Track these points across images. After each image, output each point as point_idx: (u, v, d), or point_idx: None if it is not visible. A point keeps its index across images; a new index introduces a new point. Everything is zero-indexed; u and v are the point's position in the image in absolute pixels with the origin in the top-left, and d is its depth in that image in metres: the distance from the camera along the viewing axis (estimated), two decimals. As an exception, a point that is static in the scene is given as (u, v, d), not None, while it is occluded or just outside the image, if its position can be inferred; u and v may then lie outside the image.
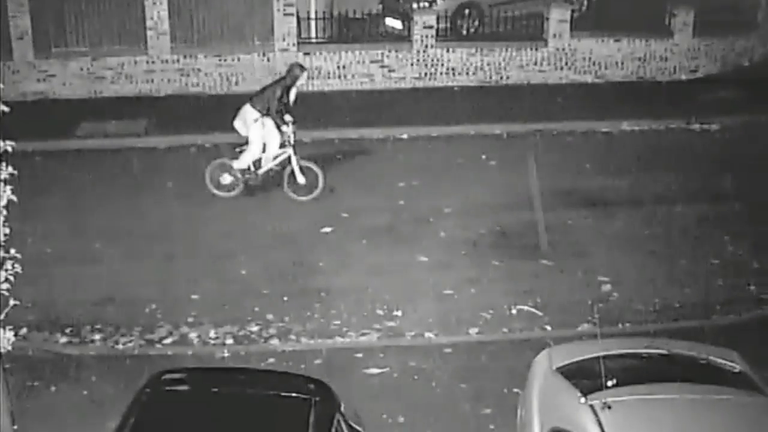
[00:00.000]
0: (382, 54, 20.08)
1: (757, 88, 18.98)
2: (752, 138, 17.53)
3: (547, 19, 20.35)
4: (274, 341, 11.92)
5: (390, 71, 20.10)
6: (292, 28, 19.74)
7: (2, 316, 9.52)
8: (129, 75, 19.53)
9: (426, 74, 20.18)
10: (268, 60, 19.78)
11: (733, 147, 17.41)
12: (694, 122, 18.48)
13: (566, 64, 20.50)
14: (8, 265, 9.17)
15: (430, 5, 21.74)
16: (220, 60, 19.71)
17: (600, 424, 7.71)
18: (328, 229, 14.55)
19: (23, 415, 9.86)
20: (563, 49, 20.41)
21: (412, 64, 20.13)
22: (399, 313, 12.46)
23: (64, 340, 11.89)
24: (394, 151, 17.46)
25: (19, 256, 9.12)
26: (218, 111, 18.75)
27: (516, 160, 16.88)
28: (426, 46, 20.07)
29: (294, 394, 8.20)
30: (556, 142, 17.88)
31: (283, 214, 15.01)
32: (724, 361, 8.86)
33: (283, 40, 19.74)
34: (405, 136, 17.99)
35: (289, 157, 15.21)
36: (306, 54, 19.83)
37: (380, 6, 22.57)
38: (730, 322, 12.28)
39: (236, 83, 19.78)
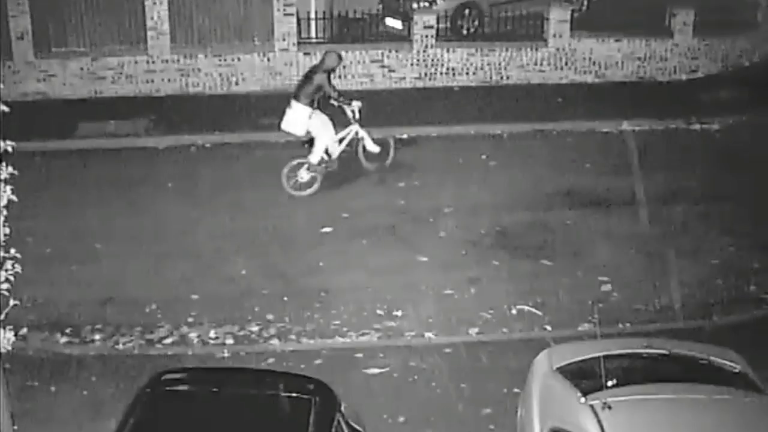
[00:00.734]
0: (382, 54, 20.08)
1: (757, 88, 18.99)
2: (752, 138, 17.53)
3: (547, 19, 20.35)
4: (274, 341, 11.92)
5: (390, 71, 20.10)
6: (292, 28, 19.74)
7: (2, 316, 9.52)
8: (129, 75, 19.53)
9: (426, 74, 20.18)
10: (268, 60, 19.78)
11: (733, 147, 17.41)
12: (694, 122, 18.48)
13: (566, 64, 20.50)
14: (8, 265, 9.17)
15: (430, 5, 21.73)
16: (220, 60, 19.70)
17: (600, 424, 7.71)
18: (328, 229, 14.55)
19: (23, 415, 9.87)
20: (563, 49, 20.41)
21: (412, 64, 20.13)
22: (399, 313, 12.46)
23: (64, 340, 11.90)
24: (393, 150, 17.43)
25: (19, 256, 9.12)
26: (218, 111, 18.83)
27: (516, 160, 16.92)
28: (426, 46, 20.07)
29: (294, 394, 8.20)
30: (556, 142, 17.89)
31: (282, 214, 15.02)
32: (724, 361, 8.87)
33: (283, 40, 19.74)
34: (405, 136, 17.98)
35: (356, 133, 15.74)
36: (306, 54, 19.83)
37: (380, 6, 22.56)
38: (730, 322, 12.28)
39: (236, 83, 19.78)
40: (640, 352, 9.01)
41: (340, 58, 15.74)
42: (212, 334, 12.03)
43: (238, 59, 19.73)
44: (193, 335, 12.01)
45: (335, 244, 14.16)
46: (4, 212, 8.78)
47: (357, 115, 15.69)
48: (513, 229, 14.56)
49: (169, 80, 19.63)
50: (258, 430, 7.91)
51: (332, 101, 15.46)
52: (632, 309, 12.53)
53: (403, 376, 11.30)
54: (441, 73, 20.22)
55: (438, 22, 20.28)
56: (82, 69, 19.43)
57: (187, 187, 15.84)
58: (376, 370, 11.41)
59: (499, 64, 20.31)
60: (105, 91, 19.52)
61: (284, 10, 19.58)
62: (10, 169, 8.79)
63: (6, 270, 9.11)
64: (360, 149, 15.89)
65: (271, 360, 11.55)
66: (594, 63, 20.57)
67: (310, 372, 10.03)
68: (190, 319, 12.29)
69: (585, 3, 23.45)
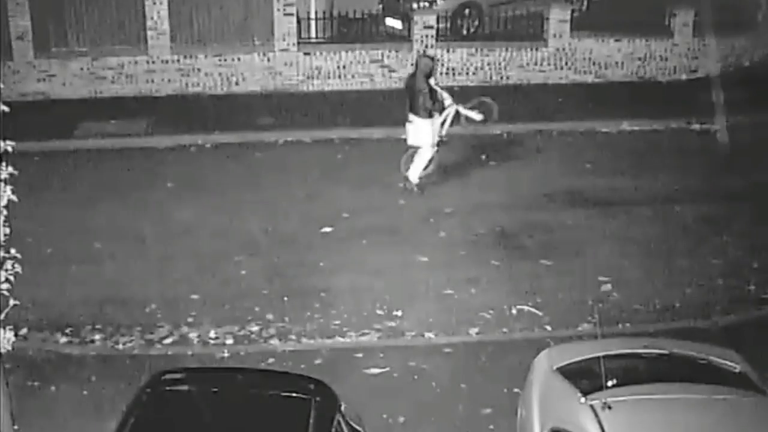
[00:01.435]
0: (382, 54, 20.09)
1: (757, 88, 18.99)
2: (752, 138, 17.52)
3: (547, 19, 20.36)
4: (274, 341, 11.92)
5: (390, 71, 20.10)
6: (292, 28, 19.75)
7: (2, 316, 9.52)
8: (129, 75, 19.54)
9: (426, 74, 20.16)
10: (268, 60, 19.78)
11: (733, 147, 17.40)
12: (694, 122, 18.48)
13: (566, 64, 20.51)
14: (8, 265, 9.17)
15: (430, 5, 21.74)
16: (220, 60, 19.71)
17: (600, 424, 7.71)
18: (328, 229, 14.55)
19: (23, 415, 9.86)
20: (563, 49, 20.42)
21: (412, 64, 20.09)
22: (399, 313, 12.46)
23: (64, 340, 11.89)
24: (394, 151, 17.42)
25: (19, 256, 9.13)
26: (218, 111, 18.83)
27: (516, 160, 16.92)
28: (426, 46, 20.06)
29: (294, 394, 8.19)
30: (556, 142, 17.89)
31: (282, 214, 15.02)
32: (724, 361, 8.86)
33: (283, 40, 19.74)
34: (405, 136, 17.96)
35: (456, 111, 15.97)
36: (306, 54, 19.85)
37: (380, 6, 22.57)
38: (730, 322, 12.27)
39: (236, 83, 19.79)
40: (640, 352, 9.01)
41: (432, 59, 15.68)
42: (212, 334, 12.03)
43: (238, 59, 19.73)
44: (193, 335, 12.01)
45: (335, 244, 14.16)
46: (4, 212, 8.79)
47: (450, 99, 15.81)
48: (513, 229, 14.56)
49: (169, 80, 19.64)
50: (258, 430, 7.91)
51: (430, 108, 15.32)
52: (632, 309, 12.53)
53: (403, 376, 11.30)
54: (441, 73, 20.20)
55: (438, 22, 20.29)
56: (82, 69, 19.44)
57: (187, 187, 15.84)
58: (376, 370, 11.41)
59: (499, 64, 20.32)
60: (105, 91, 19.53)
61: (284, 10, 19.59)
62: (10, 169, 8.80)
63: (6, 270, 9.12)
64: (462, 119, 16.20)
65: (271, 360, 11.54)
66: (594, 63, 20.58)
67: (310, 372, 10.02)
68: (190, 319, 12.28)
69: (585, 3, 23.46)
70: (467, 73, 20.28)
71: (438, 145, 15.74)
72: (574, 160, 16.90)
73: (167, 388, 8.31)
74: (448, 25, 21.20)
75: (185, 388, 8.44)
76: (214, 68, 19.72)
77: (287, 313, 12.44)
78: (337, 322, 12.27)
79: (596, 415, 7.80)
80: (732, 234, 14.35)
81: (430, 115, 15.34)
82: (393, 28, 21.98)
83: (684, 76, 20.81)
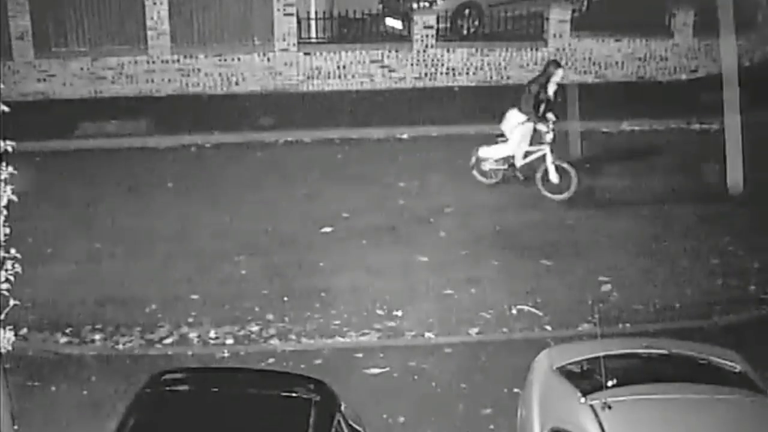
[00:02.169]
0: (382, 54, 20.08)
1: (757, 88, 18.96)
2: (752, 138, 17.49)
3: (547, 19, 20.35)
4: (274, 341, 11.92)
5: (390, 71, 20.10)
6: (292, 28, 19.74)
7: (2, 316, 9.52)
8: (129, 75, 19.52)
9: (426, 74, 20.18)
10: (268, 60, 19.78)
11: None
12: (694, 122, 18.47)
13: (566, 64, 20.45)
14: (8, 265, 9.17)
15: (430, 5, 21.73)
16: (220, 60, 19.70)
17: (600, 424, 7.71)
18: (328, 229, 14.55)
19: (23, 415, 9.87)
20: (563, 49, 20.41)
21: (412, 64, 20.12)
22: (399, 313, 12.46)
23: (64, 340, 11.90)
24: (394, 151, 17.46)
25: (19, 256, 9.12)
26: (218, 111, 18.83)
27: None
28: (426, 46, 20.06)
29: (294, 394, 8.20)
30: (556, 141, 17.84)
31: (282, 214, 15.02)
32: (724, 361, 8.87)
33: (283, 40, 19.73)
34: (405, 136, 17.99)
35: (544, 156, 15.31)
36: (306, 54, 19.84)
37: (380, 6, 22.56)
38: (730, 322, 12.28)
39: (236, 83, 19.78)
40: (640, 352, 9.02)
41: (557, 65, 15.46)
42: (212, 334, 12.03)
43: (238, 59, 19.72)
44: (193, 335, 12.01)
45: (335, 244, 14.16)
46: (4, 212, 8.79)
47: (548, 138, 15.19)
48: (513, 229, 14.57)
49: (169, 80, 19.63)
50: (258, 430, 7.91)
51: (534, 113, 15.14)
52: (632, 309, 12.53)
53: (403, 376, 11.30)
54: (441, 73, 20.22)
55: (438, 22, 20.27)
56: (82, 69, 19.43)
57: (187, 187, 15.84)
58: (376, 370, 11.41)
59: (499, 64, 20.31)
60: (105, 91, 19.52)
61: (284, 10, 19.58)
62: (10, 169, 8.80)
63: (6, 270, 9.11)
64: (541, 173, 15.34)
65: (271, 360, 11.55)
66: (594, 63, 20.58)
67: (310, 372, 10.03)
68: (190, 319, 12.29)
69: (585, 3, 23.45)
70: (467, 73, 20.27)
71: (505, 162, 15.52)
72: (573, 160, 16.86)
73: (167, 388, 8.31)
74: (448, 25, 21.18)
75: (185, 388, 8.45)
76: (214, 68, 19.71)
77: (287, 313, 12.44)
78: (337, 322, 12.28)
79: (596, 415, 7.80)
80: (732, 234, 14.35)
81: (527, 113, 15.15)
82: (393, 28, 21.97)
83: (684, 76, 20.80)
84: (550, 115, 15.26)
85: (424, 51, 20.08)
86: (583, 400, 8.01)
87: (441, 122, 18.38)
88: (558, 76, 15.30)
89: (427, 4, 21.77)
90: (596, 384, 8.13)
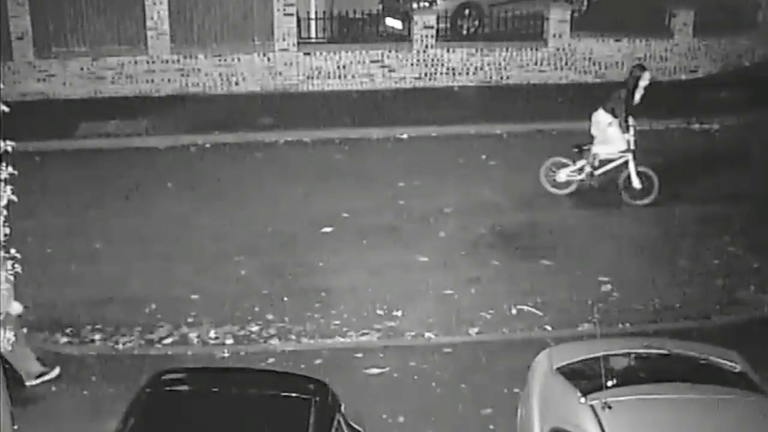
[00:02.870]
0: (382, 54, 20.08)
1: (757, 88, 18.98)
2: (752, 138, 17.52)
3: (547, 19, 20.35)
4: (274, 341, 11.92)
5: (390, 71, 20.10)
6: (292, 28, 19.74)
7: (2, 316, 9.54)
8: (129, 75, 19.53)
9: (426, 74, 20.18)
10: (268, 60, 19.78)
11: (733, 147, 17.41)
12: (694, 122, 18.47)
13: (566, 64, 20.50)
14: (8, 265, 9.18)
15: (430, 5, 21.73)
16: (220, 60, 19.70)
17: (600, 424, 7.71)
18: (328, 229, 14.55)
19: (23, 415, 9.87)
20: (563, 49, 20.41)
21: (412, 64, 20.12)
22: (399, 313, 12.46)
23: (64, 340, 11.89)
24: (394, 151, 17.47)
25: (19, 256, 9.14)
26: (218, 111, 18.83)
27: (516, 160, 16.91)
28: (426, 46, 20.07)
29: (294, 394, 8.20)
30: (556, 142, 17.86)
31: (282, 214, 15.02)
32: (724, 361, 8.87)
33: (283, 40, 19.74)
34: (405, 136, 17.99)
35: (626, 162, 15.10)
36: (306, 54, 19.84)
37: (380, 6, 22.56)
38: (730, 322, 12.28)
39: (236, 83, 19.78)
40: (640, 352, 9.01)
41: (643, 68, 15.19)
42: (212, 334, 12.03)
43: (238, 59, 19.72)
44: (193, 335, 12.01)
45: (335, 244, 14.16)
46: (4, 212, 8.80)
47: (631, 144, 14.98)
48: (513, 229, 14.57)
49: (169, 80, 19.63)
50: (258, 430, 7.92)
51: (621, 117, 14.95)
52: (632, 309, 12.53)
53: (403, 376, 11.30)
54: (441, 73, 20.22)
55: (438, 22, 20.28)
56: (82, 69, 19.43)
57: (187, 187, 15.84)
58: (376, 370, 11.41)
59: (499, 64, 20.31)
60: (105, 91, 19.52)
61: (284, 10, 19.58)
62: (10, 169, 8.82)
63: (6, 270, 9.13)
64: (622, 180, 15.16)
65: (271, 360, 11.54)
66: (594, 63, 20.58)
67: (310, 372, 10.03)
68: (190, 319, 12.28)
69: (585, 3, 23.44)
70: (467, 73, 20.26)
71: (583, 170, 15.27)
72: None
73: (167, 388, 8.32)
74: (448, 25, 21.18)
75: (185, 388, 8.45)
76: (214, 68, 19.71)
77: (287, 313, 12.44)
78: (337, 322, 12.28)
79: (596, 415, 7.80)
80: (732, 234, 14.35)
81: (613, 114, 14.97)
82: (393, 28, 21.97)
83: (684, 76, 20.80)
84: (632, 121, 15.05)
85: (424, 51, 20.08)
86: (583, 400, 8.01)
87: (441, 122, 18.38)
88: (645, 79, 15.02)
89: (427, 4, 21.77)
90: (596, 384, 8.13)
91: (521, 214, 14.94)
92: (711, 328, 12.00)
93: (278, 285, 13.07)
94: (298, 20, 19.85)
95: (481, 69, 20.29)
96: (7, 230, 8.85)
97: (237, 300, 12.68)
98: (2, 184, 8.74)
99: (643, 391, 8.11)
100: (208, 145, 17.55)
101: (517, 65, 20.36)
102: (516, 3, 21.79)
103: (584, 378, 8.47)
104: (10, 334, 9.83)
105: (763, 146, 16.96)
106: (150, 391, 8.24)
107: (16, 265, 9.21)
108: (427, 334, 12.08)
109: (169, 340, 11.94)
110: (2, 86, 10.77)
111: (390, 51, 20.11)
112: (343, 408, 8.37)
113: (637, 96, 15.07)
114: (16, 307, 10.06)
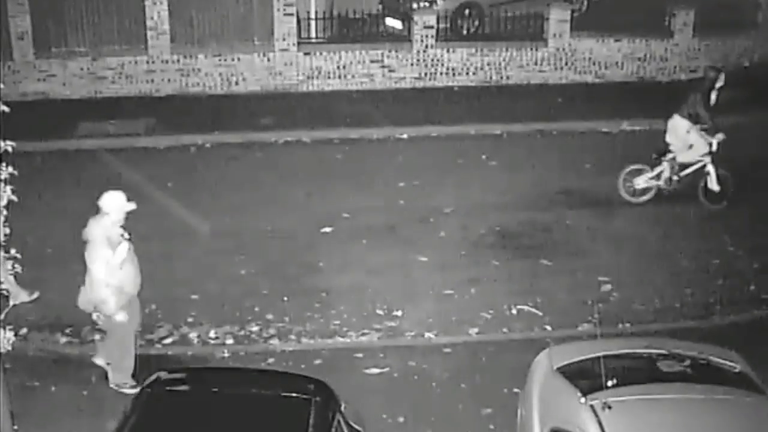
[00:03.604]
0: (382, 54, 20.08)
1: (757, 88, 18.98)
2: (752, 138, 17.51)
3: (547, 19, 20.35)
4: (274, 341, 11.92)
5: (390, 71, 20.10)
6: (292, 28, 19.74)
7: (2, 316, 9.53)
8: (129, 75, 19.53)
9: (426, 74, 20.18)
10: (268, 60, 19.78)
11: (733, 147, 17.36)
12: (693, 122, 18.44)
13: (566, 64, 20.50)
14: (8, 265, 9.17)
15: (430, 5, 21.74)
16: (220, 60, 19.70)
17: (600, 424, 7.72)
18: (328, 229, 14.55)
19: (23, 415, 9.86)
20: (563, 49, 20.41)
21: (412, 64, 20.13)
22: (399, 313, 12.46)
23: (64, 340, 11.89)
24: (394, 151, 17.47)
25: (19, 256, 9.13)
26: (218, 111, 18.83)
27: (516, 160, 16.92)
28: (426, 46, 20.07)
29: (294, 394, 8.20)
30: (556, 142, 17.89)
31: (282, 214, 15.02)
32: (724, 361, 8.87)
33: (283, 40, 19.74)
34: (405, 136, 17.99)
35: (704, 166, 15.00)
36: (306, 54, 19.85)
37: (380, 6, 22.58)
38: (730, 322, 12.28)
39: (236, 83, 19.78)
40: (640, 352, 9.01)
41: (717, 70, 15.07)
42: (212, 334, 12.03)
43: (238, 59, 19.73)
44: (193, 335, 12.01)
45: (335, 244, 14.16)
46: (4, 212, 8.79)
47: (714, 148, 14.85)
48: (513, 229, 14.57)
49: (169, 80, 19.63)
50: (258, 430, 7.92)
51: (700, 123, 14.83)
52: (632, 309, 12.53)
53: (403, 376, 11.30)
54: (441, 73, 20.22)
55: (438, 22, 20.28)
56: (82, 69, 19.44)
57: (187, 187, 15.83)
58: (376, 370, 11.41)
59: (499, 64, 20.31)
60: (105, 91, 19.53)
61: (284, 10, 19.58)
62: (10, 169, 8.81)
63: (6, 270, 9.12)
64: (702, 184, 15.05)
65: (271, 360, 11.55)
66: (594, 63, 20.58)
67: (310, 372, 10.03)
68: (190, 319, 12.28)
69: (585, 3, 23.45)
70: (467, 73, 20.27)
71: (659, 176, 15.17)
72: (574, 160, 16.89)
73: (167, 388, 8.32)
74: (448, 25, 21.20)
75: (185, 388, 8.46)
76: (214, 68, 19.71)
77: (287, 313, 12.44)
78: (337, 322, 12.28)
79: (596, 415, 7.81)
80: (732, 234, 14.35)
81: (690, 119, 14.85)
82: (393, 28, 21.98)
83: (684, 76, 20.81)
84: (718, 136, 14.86)
85: (424, 51, 20.08)
86: (583, 400, 8.01)
87: (441, 122, 18.39)
88: (721, 81, 14.91)
89: (427, 4, 21.79)
90: (596, 384, 8.13)
91: (521, 214, 14.94)
92: (711, 328, 12.00)
93: (278, 285, 13.07)
94: (298, 20, 19.86)
95: (481, 69, 20.29)
96: (7, 230, 8.84)
97: (237, 300, 12.68)
98: (2, 184, 8.73)
99: (643, 391, 8.11)
100: (208, 145, 17.56)
101: (517, 65, 20.37)
102: (516, 3, 21.80)
103: (584, 378, 8.47)
104: (10, 334, 9.83)
105: (763, 146, 16.97)
106: (150, 391, 8.24)
107: (16, 265, 9.20)
108: (427, 334, 12.08)
109: (169, 340, 11.94)
110: (2, 86, 10.76)
111: (390, 51, 20.11)
112: (343, 408, 8.37)
113: (713, 97, 14.98)
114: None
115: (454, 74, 20.24)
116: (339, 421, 8.13)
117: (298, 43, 19.91)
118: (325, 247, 14.05)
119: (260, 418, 7.96)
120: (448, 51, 20.22)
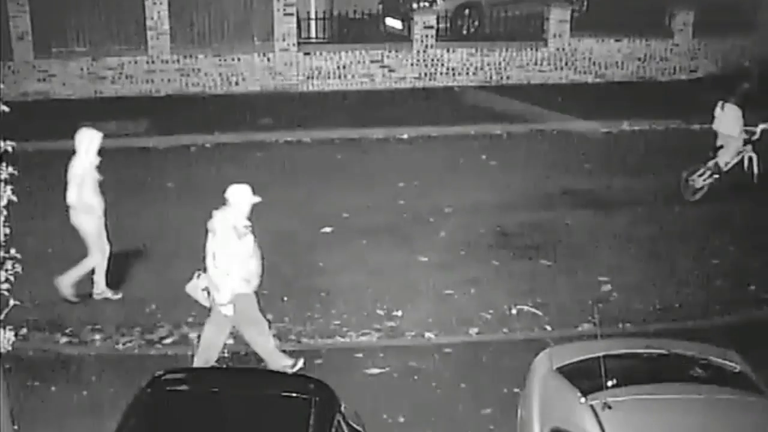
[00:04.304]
0: (382, 54, 20.09)
1: (757, 88, 18.96)
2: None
3: (547, 19, 20.37)
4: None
5: (390, 71, 20.11)
6: (292, 28, 19.75)
7: (2, 316, 9.53)
8: (129, 75, 19.54)
9: (426, 74, 20.19)
10: (268, 60, 19.79)
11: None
12: (694, 122, 18.46)
13: (566, 64, 20.51)
14: (8, 265, 9.17)
15: (430, 5, 21.75)
16: (220, 60, 19.71)
17: (600, 424, 7.71)
18: (328, 229, 14.55)
19: (23, 415, 9.86)
20: (563, 49, 20.43)
21: (412, 64, 20.14)
22: (399, 313, 12.46)
23: (64, 340, 11.89)
24: (394, 151, 17.47)
25: (19, 256, 9.13)
26: (218, 111, 18.83)
27: (516, 160, 16.92)
28: (426, 46, 20.08)
29: (294, 394, 8.19)
30: (556, 142, 17.89)
31: (281, 214, 15.01)
32: (724, 361, 8.86)
33: (283, 40, 19.75)
34: (405, 136, 17.99)
35: (748, 156, 15.19)
36: (306, 54, 19.86)
37: (380, 6, 22.59)
38: (730, 322, 12.28)
39: (236, 83, 19.79)
40: (640, 352, 9.01)
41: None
42: (212, 334, 12.01)
43: (238, 59, 19.74)
44: (193, 335, 11.99)
45: (335, 244, 14.16)
46: (4, 212, 8.79)
47: (755, 135, 15.09)
48: (513, 229, 14.57)
49: (169, 80, 19.64)
50: (258, 430, 7.91)
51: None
52: (632, 309, 12.53)
53: (403, 376, 11.30)
54: (441, 73, 20.23)
55: (438, 22, 20.31)
56: (82, 69, 19.45)
57: (187, 187, 15.83)
58: (376, 370, 11.41)
59: (499, 64, 20.33)
60: (105, 91, 19.54)
61: (284, 10, 19.59)
62: (10, 169, 8.81)
63: (6, 270, 9.12)
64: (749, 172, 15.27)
65: (271, 360, 11.53)
66: (594, 63, 20.60)
67: (310, 372, 10.03)
68: (190, 319, 12.27)
69: (585, 3, 23.46)
70: (467, 73, 20.28)
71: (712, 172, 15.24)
72: (574, 160, 16.89)
73: (167, 388, 8.31)
74: (448, 25, 21.23)
75: (185, 388, 8.45)
76: (214, 68, 19.72)
77: (287, 313, 12.44)
78: (337, 322, 12.27)
79: (596, 415, 7.80)
80: (732, 234, 14.35)
81: (740, 106, 15.00)
82: (393, 28, 21.99)
83: (684, 76, 20.82)
84: (762, 126, 15.08)
85: (424, 51, 20.09)
86: (583, 400, 8.01)
87: (441, 122, 18.39)
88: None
89: (427, 4, 21.80)
90: (596, 384, 8.12)
91: (521, 214, 14.94)
92: (711, 328, 12.00)
93: (278, 285, 13.06)
94: (298, 20, 19.88)
95: (481, 69, 20.30)
96: (7, 230, 8.84)
97: (237, 300, 12.66)
98: (2, 184, 8.73)
99: (643, 391, 8.11)
100: (208, 145, 17.56)
101: (517, 65, 20.38)
102: (516, 3, 21.81)
103: (584, 378, 8.46)
104: (10, 334, 9.82)
105: (762, 146, 16.95)
106: (150, 391, 8.23)
107: (16, 265, 9.20)
108: (427, 334, 12.08)
109: (169, 340, 11.94)
110: (2, 86, 10.77)
111: (390, 51, 20.12)
112: (343, 408, 8.36)
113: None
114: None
115: (454, 74, 20.26)
116: (339, 421, 8.12)
117: (298, 43, 19.93)
118: (325, 247, 14.05)
119: (260, 418, 7.96)
120: (448, 51, 20.23)
